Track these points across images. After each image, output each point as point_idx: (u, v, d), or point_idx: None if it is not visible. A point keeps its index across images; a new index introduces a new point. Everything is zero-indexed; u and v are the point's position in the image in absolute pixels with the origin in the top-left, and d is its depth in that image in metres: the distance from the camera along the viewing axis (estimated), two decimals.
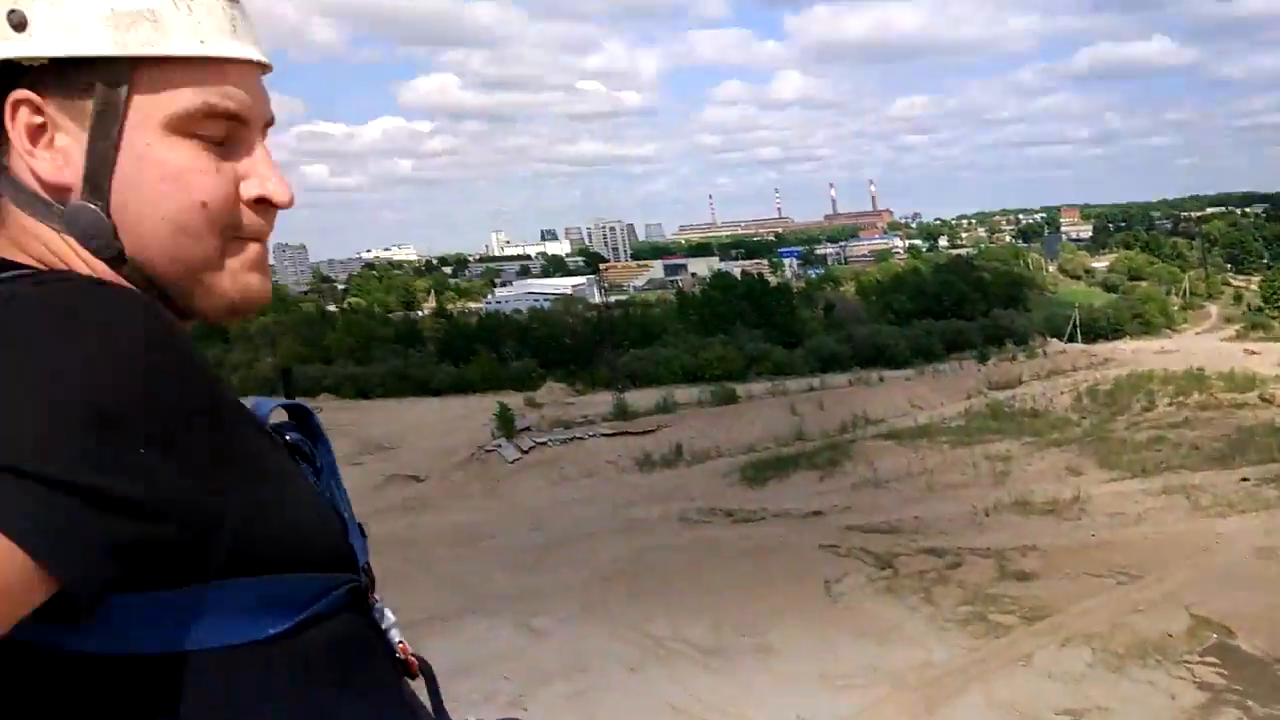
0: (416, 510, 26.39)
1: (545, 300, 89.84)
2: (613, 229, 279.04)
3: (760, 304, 62.77)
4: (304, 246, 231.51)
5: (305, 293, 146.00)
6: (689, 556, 15.11)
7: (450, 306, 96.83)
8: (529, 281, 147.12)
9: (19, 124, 0.72)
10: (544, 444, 30.92)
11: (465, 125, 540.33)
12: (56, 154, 0.74)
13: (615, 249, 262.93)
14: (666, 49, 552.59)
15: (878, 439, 23.30)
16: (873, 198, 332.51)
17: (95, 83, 0.71)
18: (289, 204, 0.81)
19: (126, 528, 0.60)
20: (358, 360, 61.78)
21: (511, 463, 30.05)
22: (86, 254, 0.75)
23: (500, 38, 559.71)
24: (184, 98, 0.74)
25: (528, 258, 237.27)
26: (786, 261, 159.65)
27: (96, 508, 0.58)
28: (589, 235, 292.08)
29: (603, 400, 42.97)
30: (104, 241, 0.75)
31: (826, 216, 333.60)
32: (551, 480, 28.40)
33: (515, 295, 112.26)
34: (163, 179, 0.74)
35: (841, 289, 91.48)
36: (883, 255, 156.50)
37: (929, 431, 23.65)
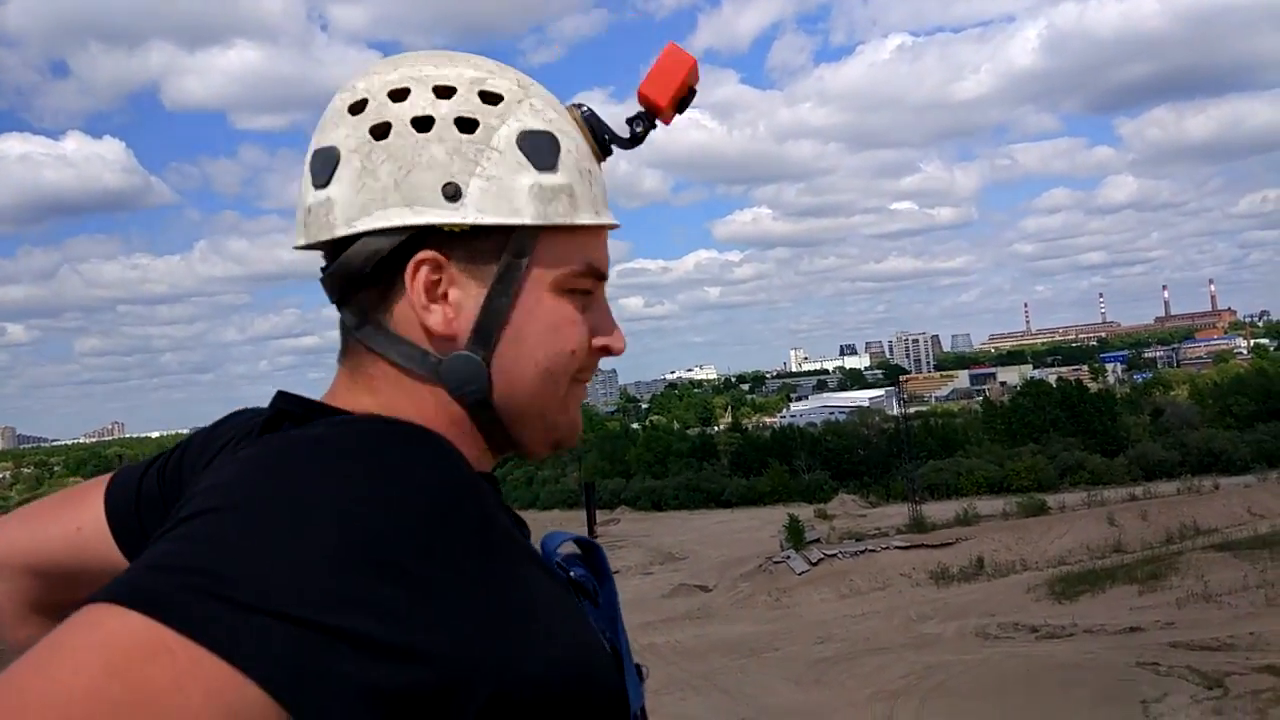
0: (702, 620, 26.51)
1: (841, 413, 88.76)
2: (915, 341, 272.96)
3: (1077, 411, 58.50)
4: (614, 371, 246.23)
5: (612, 413, 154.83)
6: (986, 673, 14.11)
7: (745, 421, 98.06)
8: (825, 395, 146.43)
9: (419, 280, 0.79)
10: (834, 556, 30.13)
11: (773, 252, 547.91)
12: (448, 308, 0.80)
13: (918, 360, 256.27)
14: (987, 164, 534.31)
15: (1209, 550, 20.66)
16: (1212, 297, 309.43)
17: (503, 246, 0.80)
18: (623, 352, 0.90)
19: (376, 671, 0.59)
20: (654, 474, 63.42)
21: (800, 574, 29.52)
22: (440, 401, 0.82)
23: (816, 170, 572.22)
24: (573, 260, 0.83)
25: (825, 373, 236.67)
26: (1110, 366, 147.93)
27: (345, 648, 0.58)
28: (890, 348, 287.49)
29: (897, 512, 41.64)
30: (478, 386, 0.82)
31: (1157, 319, 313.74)
32: (840, 593, 27.66)
33: (810, 409, 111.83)
34: (545, 330, 0.83)
35: (1172, 393, 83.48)
36: (1223, 356, 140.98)
37: (1270, 542, 20.72)
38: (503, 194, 0.79)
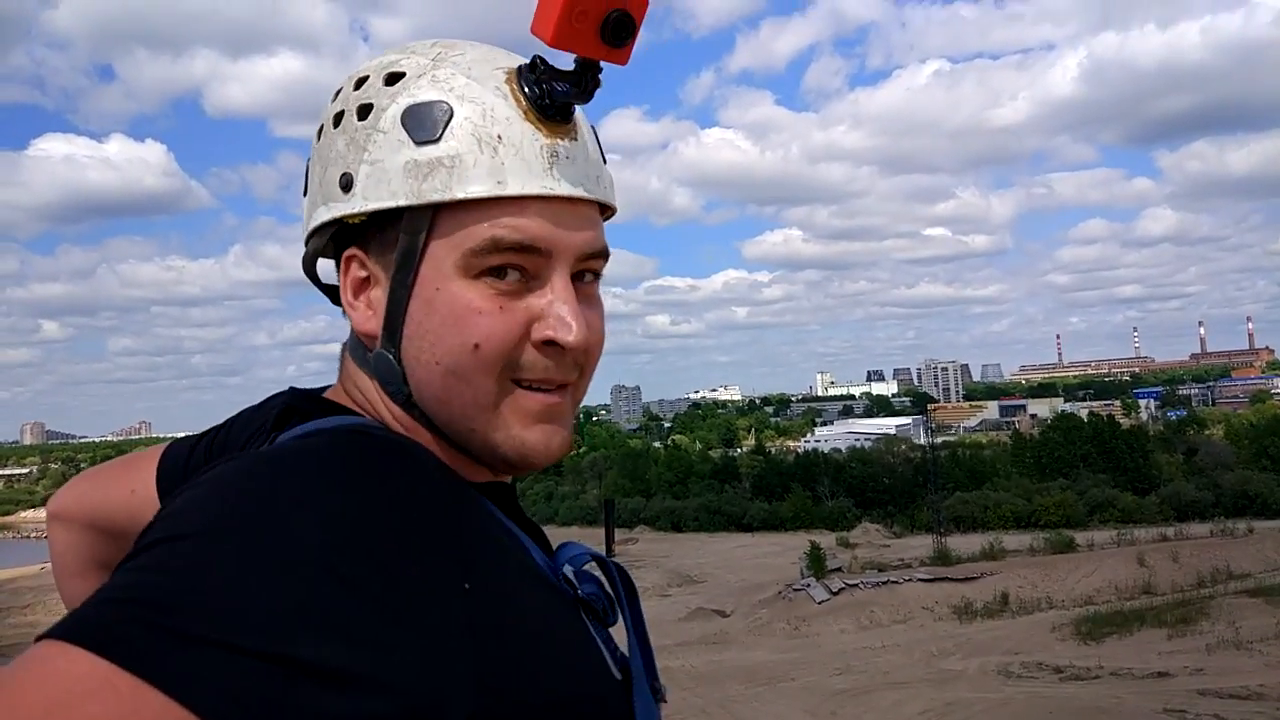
0: (719, 645, 26.16)
1: (866, 440, 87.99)
2: (945, 369, 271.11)
3: (1108, 447, 57.91)
4: (638, 387, 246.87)
5: (634, 430, 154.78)
6: (1007, 713, 13.75)
7: (769, 444, 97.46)
8: (851, 421, 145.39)
9: (348, 278, 0.78)
10: (855, 586, 29.73)
11: (803, 274, 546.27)
12: (369, 304, 0.78)
13: (946, 389, 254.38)
14: (1023, 192, 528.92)
15: (1241, 595, 20.10)
16: (1250, 335, 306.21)
17: (399, 233, 0.75)
18: (575, 346, 0.75)
19: (336, 701, 0.55)
20: (675, 494, 63.32)
21: (820, 603, 29.11)
22: (387, 399, 0.79)
23: (849, 193, 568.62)
24: (473, 236, 0.73)
25: (852, 398, 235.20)
26: (1143, 403, 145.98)
27: (302, 678, 0.54)
28: (918, 376, 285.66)
29: (921, 543, 41.09)
30: (394, 387, 0.77)
31: (1193, 355, 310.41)
32: (861, 624, 27.24)
33: (836, 434, 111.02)
34: (443, 322, 0.74)
35: (1207, 432, 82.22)
36: (1260, 396, 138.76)
37: None
38: (382, 176, 0.74)
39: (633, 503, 60.43)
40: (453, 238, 0.73)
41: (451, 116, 0.74)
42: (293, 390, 0.85)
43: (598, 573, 0.84)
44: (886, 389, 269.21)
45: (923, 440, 69.28)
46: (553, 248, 0.75)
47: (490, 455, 0.78)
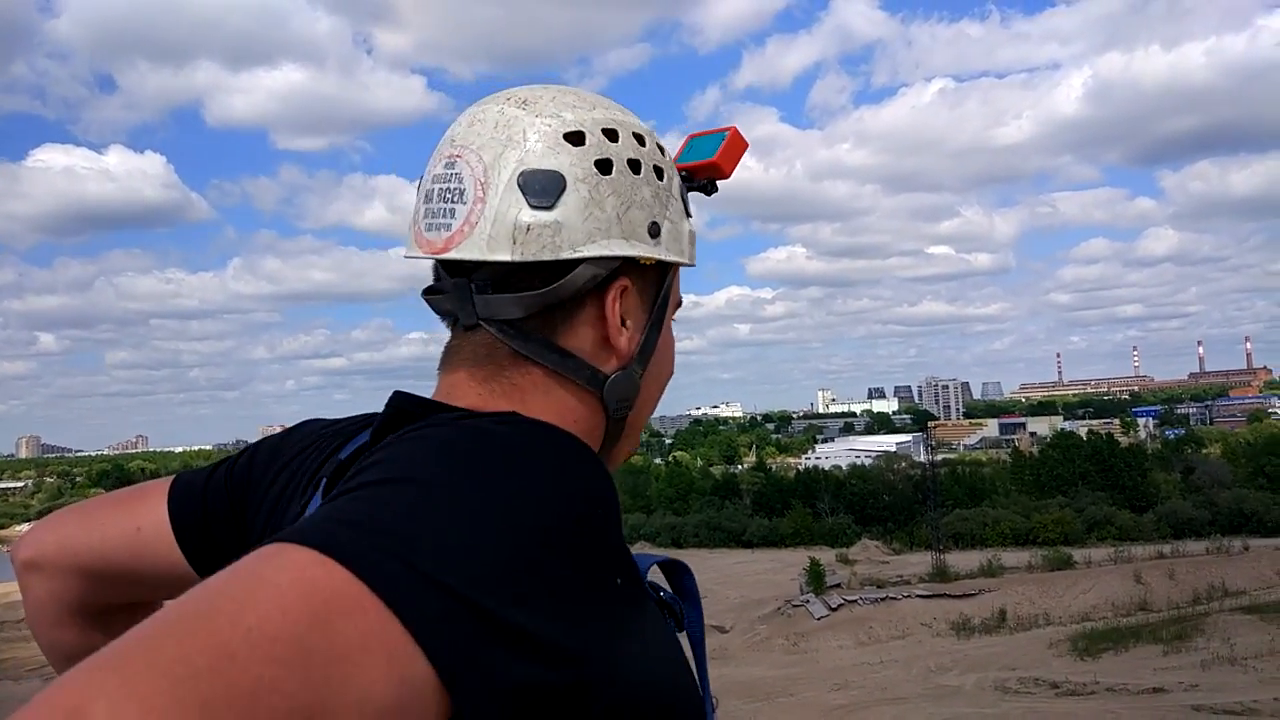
0: (717, 661, 26.23)
1: (867, 457, 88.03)
2: (945, 387, 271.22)
3: (1107, 465, 57.71)
4: None
5: None
6: None
7: (770, 461, 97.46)
8: (851, 438, 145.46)
9: (618, 304, 0.87)
10: (854, 602, 29.87)
11: (806, 291, 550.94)
12: (630, 331, 0.89)
13: (947, 407, 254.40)
14: (1026, 211, 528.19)
15: (1236, 612, 20.21)
16: (1248, 355, 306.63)
17: (662, 280, 0.92)
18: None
19: (531, 670, 0.60)
20: (675, 511, 63.29)
21: (819, 619, 29.17)
22: (586, 413, 0.88)
23: (853, 210, 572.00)
24: (679, 295, 0.97)
25: (853, 415, 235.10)
26: (1142, 421, 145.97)
27: (510, 643, 0.59)
28: (919, 393, 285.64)
29: (920, 560, 41.13)
30: (630, 402, 0.90)
31: (1191, 375, 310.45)
32: (859, 640, 27.32)
33: (836, 451, 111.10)
34: (668, 354, 0.97)
35: (1205, 451, 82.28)
36: (1257, 415, 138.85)
37: None
38: (677, 236, 0.92)
39: (633, 519, 60.18)
40: (676, 292, 0.96)
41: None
42: (400, 394, 0.86)
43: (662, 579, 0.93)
44: (887, 406, 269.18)
45: (923, 457, 69.21)
46: None
47: (625, 453, 0.96)
